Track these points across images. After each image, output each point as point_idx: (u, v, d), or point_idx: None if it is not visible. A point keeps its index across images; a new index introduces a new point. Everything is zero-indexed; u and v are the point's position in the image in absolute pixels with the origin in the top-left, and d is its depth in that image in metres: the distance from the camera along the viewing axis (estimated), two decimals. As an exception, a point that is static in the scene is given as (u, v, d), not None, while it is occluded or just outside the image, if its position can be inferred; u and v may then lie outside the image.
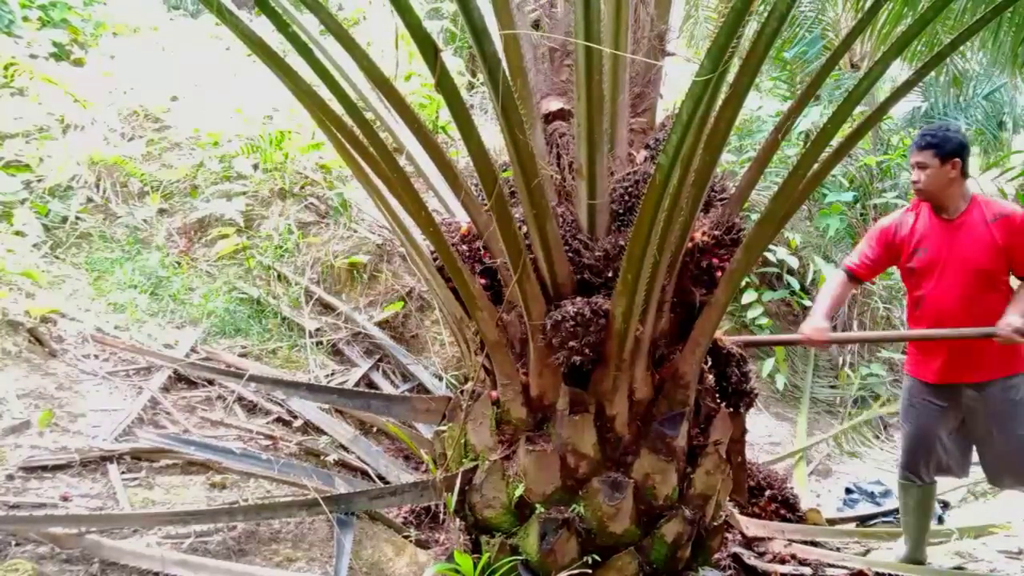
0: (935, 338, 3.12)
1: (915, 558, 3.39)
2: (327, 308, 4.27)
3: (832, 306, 3.29)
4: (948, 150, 3.05)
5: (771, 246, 5.55)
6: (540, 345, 2.67)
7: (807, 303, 6.24)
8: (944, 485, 4.13)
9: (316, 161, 4.86)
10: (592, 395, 2.72)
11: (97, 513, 2.50)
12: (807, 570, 3.16)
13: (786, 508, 3.76)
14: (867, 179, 6.63)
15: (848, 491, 4.46)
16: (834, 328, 6.33)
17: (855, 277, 3.35)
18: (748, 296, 5.86)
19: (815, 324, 3.20)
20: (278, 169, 4.70)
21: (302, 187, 4.74)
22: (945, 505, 4.19)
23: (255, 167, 4.74)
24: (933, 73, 7.81)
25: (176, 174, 4.59)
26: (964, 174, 3.12)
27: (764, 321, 5.91)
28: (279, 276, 4.30)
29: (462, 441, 2.96)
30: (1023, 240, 3.04)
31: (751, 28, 2.31)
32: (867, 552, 3.58)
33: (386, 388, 3.93)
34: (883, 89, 6.30)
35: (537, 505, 2.70)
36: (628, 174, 2.76)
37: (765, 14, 2.18)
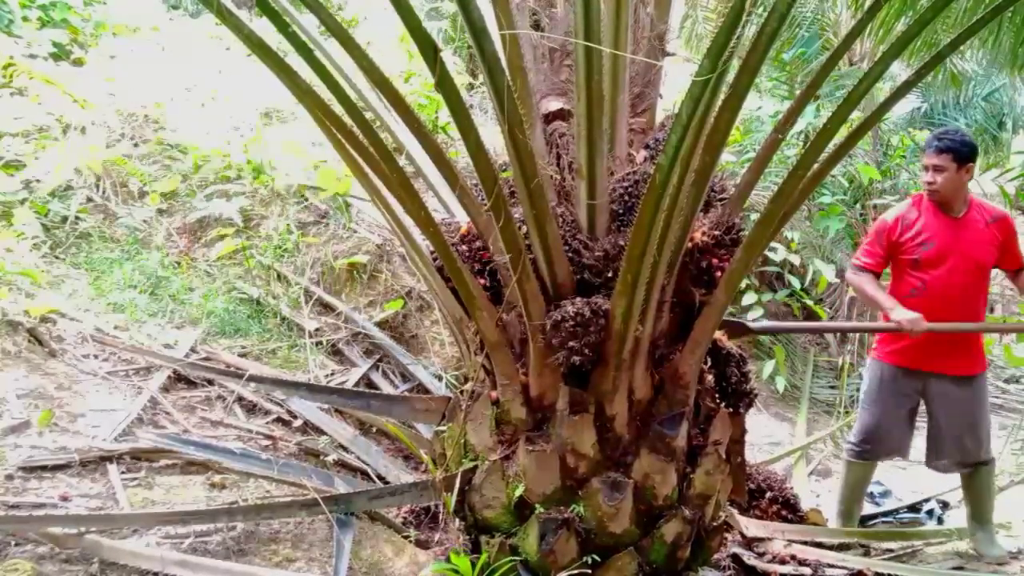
0: (963, 330, 3.40)
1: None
2: (327, 308, 4.27)
3: (888, 295, 3.49)
4: (965, 155, 3.33)
5: (771, 246, 5.55)
6: (540, 345, 2.67)
7: (808, 302, 6.25)
8: (945, 485, 4.13)
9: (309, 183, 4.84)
10: (592, 395, 2.72)
11: (97, 513, 2.50)
12: (807, 570, 3.16)
13: (787, 509, 3.75)
14: (867, 179, 6.63)
15: (848, 491, 4.46)
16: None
17: (876, 273, 3.56)
18: (749, 297, 5.86)
19: (909, 315, 3.30)
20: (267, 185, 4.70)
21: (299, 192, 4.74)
22: (945, 505, 4.19)
23: (253, 172, 4.75)
24: (932, 73, 7.80)
25: (174, 182, 4.58)
26: (971, 177, 3.42)
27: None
28: (279, 276, 4.30)
29: (462, 441, 2.96)
30: (1014, 240, 3.47)
31: (751, 28, 2.31)
32: (867, 552, 3.58)
33: (386, 388, 3.93)
34: (883, 89, 6.29)
35: (537, 505, 2.70)
36: (628, 174, 2.75)
37: (765, 14, 2.18)
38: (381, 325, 4.25)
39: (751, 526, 3.45)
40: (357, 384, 3.84)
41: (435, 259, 2.93)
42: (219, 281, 4.16)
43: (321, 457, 3.25)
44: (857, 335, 6.48)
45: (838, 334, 6.79)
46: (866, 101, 3.83)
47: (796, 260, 5.90)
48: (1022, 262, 3.52)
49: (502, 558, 2.69)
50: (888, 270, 3.64)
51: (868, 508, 4.21)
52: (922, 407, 3.66)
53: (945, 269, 3.37)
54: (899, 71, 7.16)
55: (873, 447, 3.63)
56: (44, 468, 2.64)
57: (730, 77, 2.29)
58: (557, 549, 2.62)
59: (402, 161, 2.87)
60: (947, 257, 3.38)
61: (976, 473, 3.55)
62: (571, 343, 2.56)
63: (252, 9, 5.36)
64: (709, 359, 3.01)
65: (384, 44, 5.70)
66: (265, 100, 5.55)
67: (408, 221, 2.86)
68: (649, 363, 2.80)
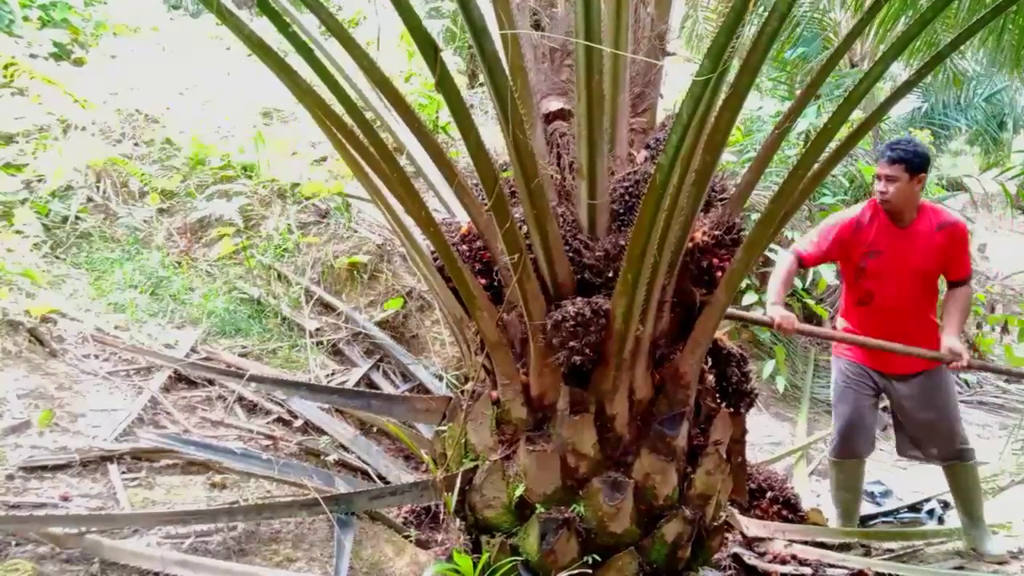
0: (889, 350, 3.35)
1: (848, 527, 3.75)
2: (327, 308, 4.27)
3: (783, 292, 3.49)
4: (917, 166, 3.30)
5: (772, 247, 5.54)
6: (540, 345, 2.67)
7: (808, 302, 6.25)
8: (945, 485, 4.13)
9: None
10: (592, 395, 2.71)
11: (97, 513, 2.50)
12: (807, 570, 3.16)
13: (788, 509, 3.76)
14: (868, 179, 6.63)
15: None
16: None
17: (803, 264, 3.58)
18: (749, 297, 5.86)
19: (784, 313, 3.34)
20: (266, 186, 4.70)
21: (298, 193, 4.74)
22: (945, 505, 4.19)
23: (249, 174, 4.75)
24: (933, 73, 7.80)
25: (174, 181, 4.58)
26: (923, 187, 3.40)
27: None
28: (279, 276, 4.30)
29: (462, 441, 2.96)
30: (962, 248, 3.41)
31: (751, 28, 2.31)
32: (867, 552, 3.58)
33: (386, 388, 3.93)
34: (883, 89, 6.29)
35: (537, 505, 2.70)
36: (628, 174, 2.75)
37: (765, 14, 2.18)
38: (381, 325, 4.25)
39: (752, 526, 3.45)
40: (357, 384, 3.84)
41: (436, 259, 2.93)
42: (219, 281, 4.16)
43: (322, 457, 3.25)
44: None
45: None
46: (866, 101, 3.82)
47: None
48: (966, 272, 3.46)
49: (503, 558, 2.69)
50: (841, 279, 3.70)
51: (868, 508, 4.21)
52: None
53: (889, 279, 3.39)
54: (899, 71, 7.17)
55: (853, 443, 3.64)
56: (44, 468, 2.64)
57: (730, 77, 2.29)
58: (558, 549, 2.62)
59: (402, 161, 2.86)
60: (890, 267, 3.38)
61: (958, 469, 3.53)
62: (572, 343, 2.56)
63: (252, 9, 5.37)
64: (710, 359, 3.01)
65: (384, 44, 5.70)
66: (265, 100, 5.55)
67: (408, 221, 2.86)
68: (650, 363, 2.80)
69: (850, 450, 3.66)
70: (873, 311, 3.48)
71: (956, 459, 3.51)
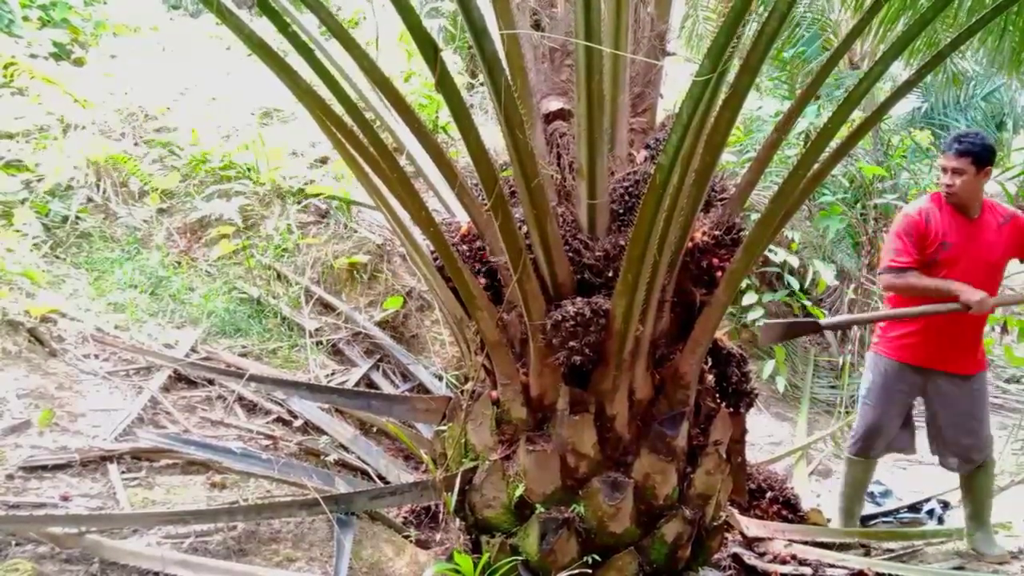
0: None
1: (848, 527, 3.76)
2: (327, 308, 4.27)
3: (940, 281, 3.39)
4: (985, 158, 3.33)
5: (771, 247, 5.54)
6: (540, 345, 2.67)
7: (806, 303, 6.25)
8: (945, 485, 4.13)
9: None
10: (592, 395, 2.72)
11: (97, 513, 2.50)
12: (807, 570, 3.16)
13: (788, 509, 3.76)
14: (868, 179, 6.63)
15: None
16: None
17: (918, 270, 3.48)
18: (749, 297, 5.86)
19: (978, 295, 3.25)
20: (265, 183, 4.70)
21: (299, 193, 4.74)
22: (945, 505, 4.19)
23: (250, 175, 4.75)
24: (933, 73, 7.81)
25: (174, 181, 4.58)
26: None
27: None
28: (279, 276, 4.30)
29: (462, 441, 2.96)
30: None
31: (751, 28, 2.31)
32: (867, 552, 3.58)
33: (386, 388, 3.93)
34: (883, 89, 6.29)
35: (537, 505, 2.70)
36: (628, 174, 2.75)
37: (765, 14, 2.18)
38: (381, 325, 4.25)
39: (751, 526, 3.45)
40: (357, 384, 3.84)
41: (435, 259, 2.93)
42: (219, 281, 4.16)
43: (321, 457, 3.25)
44: (857, 334, 6.48)
45: (838, 333, 6.79)
46: (866, 101, 3.82)
47: (795, 261, 5.89)
48: None
49: (503, 558, 2.69)
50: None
51: (868, 508, 4.21)
52: (920, 406, 3.68)
53: (959, 270, 3.37)
54: (899, 71, 7.17)
55: (874, 443, 3.64)
56: (44, 468, 2.64)
57: (730, 77, 2.29)
58: (557, 549, 2.62)
59: (402, 161, 2.87)
60: (962, 259, 3.38)
61: (977, 474, 3.55)
62: (571, 343, 2.56)
63: (252, 9, 5.36)
64: (709, 359, 3.01)
65: (384, 44, 5.69)
66: (265, 100, 5.55)
67: (408, 221, 2.86)
68: (649, 363, 2.80)
69: (867, 450, 3.66)
70: (941, 301, 3.38)
71: (979, 463, 3.52)
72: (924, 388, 3.57)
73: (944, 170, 3.39)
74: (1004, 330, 7.46)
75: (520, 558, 2.70)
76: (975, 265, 3.38)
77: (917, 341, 3.48)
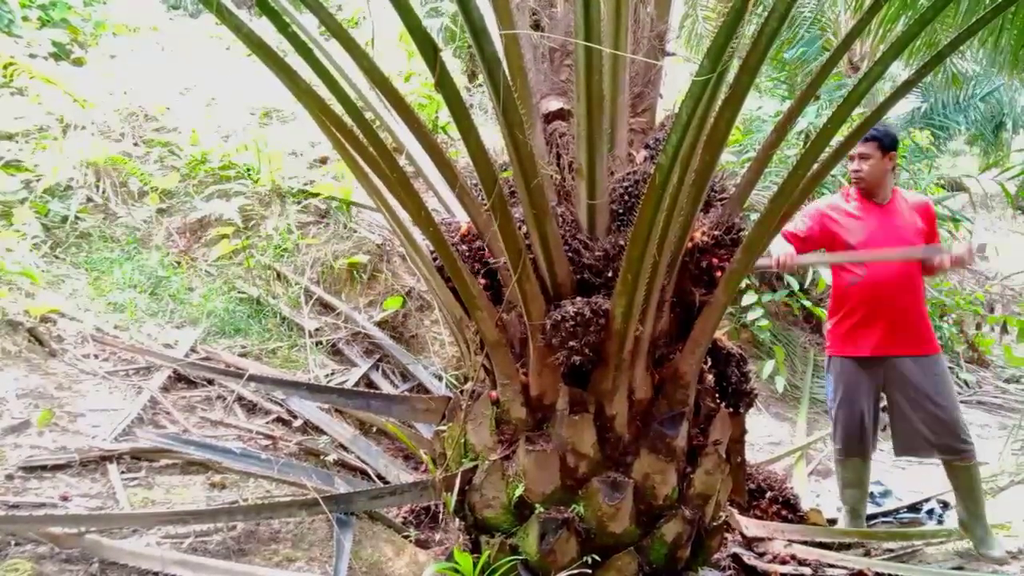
0: (892, 258, 3.53)
1: (856, 526, 3.78)
2: (327, 308, 4.27)
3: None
4: (888, 144, 3.53)
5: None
6: (540, 345, 2.67)
7: (806, 303, 6.25)
8: (945, 485, 4.13)
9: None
10: (592, 395, 2.72)
11: (97, 513, 2.50)
12: (807, 570, 3.16)
13: (787, 509, 3.76)
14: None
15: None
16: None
17: (794, 244, 3.60)
18: (748, 297, 5.86)
19: (783, 245, 3.40)
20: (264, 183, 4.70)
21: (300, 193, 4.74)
22: (945, 505, 4.19)
23: (250, 175, 4.75)
24: (933, 73, 7.81)
25: (174, 181, 4.58)
26: (895, 166, 3.63)
27: (764, 323, 5.91)
28: (279, 276, 4.30)
29: (462, 441, 2.96)
30: (934, 224, 3.66)
31: (751, 28, 2.31)
32: (867, 552, 3.58)
33: (386, 388, 3.93)
34: (883, 90, 6.29)
35: (537, 505, 2.70)
36: (628, 174, 2.75)
37: (765, 14, 2.18)
38: (381, 325, 4.25)
39: (751, 526, 3.45)
40: (357, 384, 3.84)
41: (435, 259, 2.93)
42: (219, 281, 4.16)
43: (321, 457, 3.25)
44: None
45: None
46: (866, 101, 3.83)
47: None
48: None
49: (502, 558, 2.69)
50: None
51: (868, 508, 4.21)
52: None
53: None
54: (899, 71, 7.17)
55: (854, 443, 3.67)
56: (44, 468, 2.64)
57: (730, 77, 2.29)
58: (557, 549, 2.62)
59: (402, 161, 2.86)
60: (879, 239, 3.51)
61: (960, 469, 3.53)
62: (571, 343, 2.56)
63: (252, 9, 5.37)
64: (709, 359, 3.02)
65: (384, 44, 5.70)
66: (265, 100, 5.55)
67: (408, 221, 2.86)
68: (649, 363, 2.80)
69: (852, 451, 3.69)
70: (868, 286, 3.55)
71: (958, 454, 3.50)
72: (884, 378, 3.61)
73: (851, 158, 3.55)
74: (1004, 330, 7.47)
75: (520, 558, 2.69)
76: (892, 243, 3.52)
77: (862, 331, 3.57)
